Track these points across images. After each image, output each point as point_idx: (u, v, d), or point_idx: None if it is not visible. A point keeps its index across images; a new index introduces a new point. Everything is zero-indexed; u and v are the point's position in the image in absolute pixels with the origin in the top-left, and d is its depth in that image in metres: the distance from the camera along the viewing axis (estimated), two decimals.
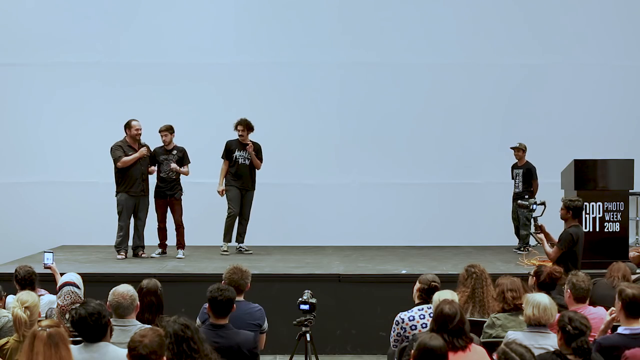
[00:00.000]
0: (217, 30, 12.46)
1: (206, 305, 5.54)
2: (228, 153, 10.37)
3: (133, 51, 12.30)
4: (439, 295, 5.41)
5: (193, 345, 4.30)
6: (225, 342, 5.10)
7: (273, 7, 12.52)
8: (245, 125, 10.29)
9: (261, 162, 10.42)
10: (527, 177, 10.90)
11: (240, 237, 10.48)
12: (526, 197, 8.39)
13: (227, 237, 10.39)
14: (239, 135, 10.31)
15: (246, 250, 10.40)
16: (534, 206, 8.01)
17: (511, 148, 11.12)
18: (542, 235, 7.95)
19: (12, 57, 12.27)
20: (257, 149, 10.39)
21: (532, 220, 7.97)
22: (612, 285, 6.53)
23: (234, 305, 5.27)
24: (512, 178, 11.19)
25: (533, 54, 12.45)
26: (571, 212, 7.78)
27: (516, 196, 10.96)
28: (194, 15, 12.48)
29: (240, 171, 10.34)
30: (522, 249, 10.79)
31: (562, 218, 7.89)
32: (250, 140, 10.34)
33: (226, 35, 12.46)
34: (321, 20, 12.46)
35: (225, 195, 10.39)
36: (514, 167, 11.17)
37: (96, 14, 12.40)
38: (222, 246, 10.35)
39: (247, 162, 10.32)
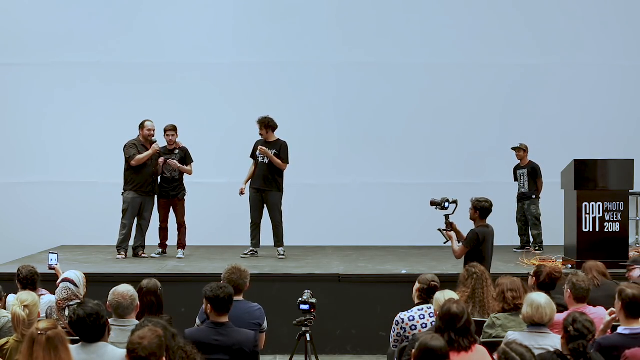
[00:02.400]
0: (217, 30, 12.47)
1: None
2: (253, 151, 10.12)
3: (133, 51, 12.31)
4: (443, 295, 5.41)
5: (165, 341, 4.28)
6: (227, 340, 5.11)
7: (272, 8, 12.53)
8: (262, 124, 9.97)
9: (284, 161, 10.00)
10: (532, 177, 10.94)
11: (278, 242, 10.14)
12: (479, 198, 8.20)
13: (251, 242, 10.15)
14: (259, 135, 10.07)
15: (280, 255, 10.04)
16: (447, 204, 8.03)
17: (512, 149, 11.14)
18: (452, 233, 7.98)
19: (12, 57, 12.27)
20: (280, 147, 10.00)
21: (444, 217, 8.03)
22: (595, 285, 6.52)
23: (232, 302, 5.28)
24: (515, 179, 11.19)
25: (531, 54, 12.47)
26: (479, 212, 7.82)
27: (522, 196, 10.99)
28: (193, 16, 12.49)
29: (259, 171, 10.02)
30: (536, 247, 10.80)
31: (470, 218, 7.94)
32: (278, 139, 10.05)
33: (225, 35, 12.47)
34: (321, 20, 12.48)
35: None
36: (517, 167, 11.17)
37: (96, 13, 12.41)
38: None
39: (266, 160, 9.99)
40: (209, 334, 5.04)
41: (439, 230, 8.03)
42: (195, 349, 4.45)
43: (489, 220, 8.03)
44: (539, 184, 10.99)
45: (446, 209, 8.02)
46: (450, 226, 8.00)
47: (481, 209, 7.81)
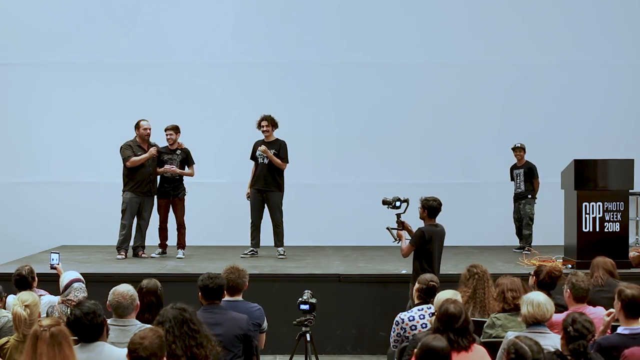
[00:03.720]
0: (217, 30, 12.47)
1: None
2: (253, 153, 10.12)
3: (133, 51, 12.31)
4: (444, 295, 5.41)
5: (193, 326, 4.45)
6: (221, 317, 5.29)
7: (271, 8, 12.54)
8: (269, 121, 9.96)
9: (284, 160, 10.01)
10: (529, 176, 10.89)
11: (278, 242, 10.14)
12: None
13: (251, 242, 10.14)
14: (263, 132, 10.00)
15: (280, 255, 10.03)
16: (398, 203, 8.05)
17: (512, 149, 11.07)
18: (404, 232, 7.98)
19: (12, 57, 12.27)
20: (279, 147, 10.00)
21: (396, 216, 8.05)
22: (599, 285, 6.52)
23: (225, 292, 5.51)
24: (512, 179, 11.17)
25: (530, 54, 12.46)
26: (427, 211, 7.83)
27: (518, 196, 10.98)
28: (193, 16, 12.49)
29: (260, 171, 10.01)
30: (525, 248, 10.76)
31: (420, 217, 7.93)
32: (277, 138, 10.05)
33: (225, 35, 12.47)
34: (320, 20, 12.47)
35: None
36: (514, 167, 11.14)
37: (96, 13, 12.40)
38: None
39: (266, 160, 9.98)
40: (204, 315, 5.14)
41: (387, 228, 8.04)
42: (216, 338, 4.61)
43: (443, 220, 7.99)
44: (536, 184, 10.92)
45: (397, 207, 8.04)
46: (402, 225, 8.02)
47: (429, 208, 7.81)
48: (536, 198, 10.97)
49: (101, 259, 9.97)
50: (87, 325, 4.42)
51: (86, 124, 12.19)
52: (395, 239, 7.98)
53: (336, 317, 8.53)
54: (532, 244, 10.84)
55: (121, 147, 9.97)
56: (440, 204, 7.85)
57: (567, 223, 9.57)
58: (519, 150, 11.00)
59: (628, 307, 5.01)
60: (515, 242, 11.22)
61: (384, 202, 8.15)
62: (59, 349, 3.98)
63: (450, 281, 6.84)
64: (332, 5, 12.54)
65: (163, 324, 4.37)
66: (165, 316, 4.43)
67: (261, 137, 10.13)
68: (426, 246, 7.73)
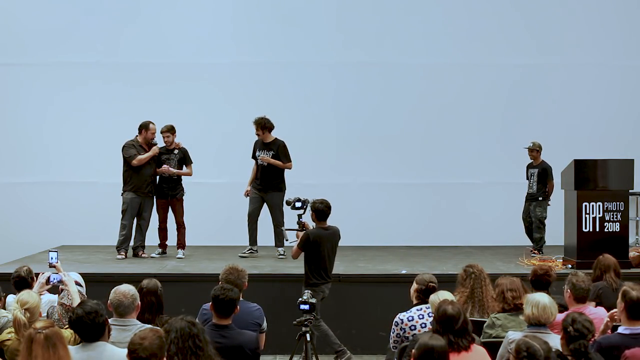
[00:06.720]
0: (216, 30, 12.47)
1: (205, 305, 5.56)
2: (253, 152, 10.16)
3: (133, 51, 12.31)
4: (437, 296, 5.41)
5: (198, 342, 4.33)
6: (228, 342, 5.12)
7: (271, 8, 12.53)
8: (258, 125, 9.95)
9: (286, 160, 10.02)
10: (542, 177, 10.53)
11: (278, 242, 10.09)
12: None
13: (249, 240, 10.17)
14: (256, 135, 10.06)
15: (280, 255, 10.00)
16: (298, 203, 8.08)
17: (525, 148, 10.80)
18: (302, 233, 7.98)
19: (12, 57, 12.27)
20: (278, 148, 10.01)
21: (297, 217, 8.09)
22: (612, 289, 6.52)
23: (237, 306, 5.27)
24: (527, 178, 10.77)
25: (531, 54, 12.45)
26: (315, 214, 7.84)
27: (529, 197, 10.64)
28: (193, 16, 12.49)
29: (260, 171, 10.05)
30: (538, 251, 10.46)
31: (312, 220, 7.96)
32: (276, 138, 10.06)
33: (225, 35, 12.46)
34: (320, 21, 12.47)
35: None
36: (530, 166, 10.74)
37: (96, 13, 12.40)
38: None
39: (265, 162, 10.01)
40: (211, 336, 5.04)
41: (282, 229, 8.05)
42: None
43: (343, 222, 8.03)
44: (549, 185, 10.54)
45: (298, 208, 8.07)
46: (302, 225, 8.03)
47: (316, 211, 7.87)
48: (549, 200, 10.59)
49: (101, 259, 9.97)
50: (88, 325, 4.43)
51: (86, 124, 12.18)
52: (287, 239, 8.02)
53: (336, 317, 8.52)
54: (540, 247, 10.57)
55: (124, 147, 9.96)
56: (329, 207, 7.89)
57: (567, 223, 9.57)
58: (531, 150, 10.63)
59: (631, 308, 5.01)
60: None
61: (287, 203, 8.22)
62: (53, 351, 3.99)
63: (450, 282, 6.82)
64: (332, 5, 12.54)
65: (169, 332, 4.27)
66: (173, 326, 4.33)
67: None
68: (315, 249, 7.77)
